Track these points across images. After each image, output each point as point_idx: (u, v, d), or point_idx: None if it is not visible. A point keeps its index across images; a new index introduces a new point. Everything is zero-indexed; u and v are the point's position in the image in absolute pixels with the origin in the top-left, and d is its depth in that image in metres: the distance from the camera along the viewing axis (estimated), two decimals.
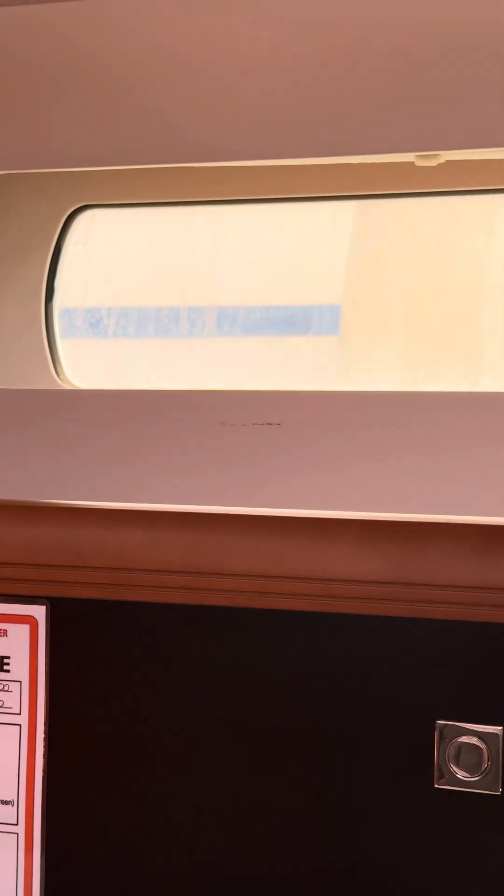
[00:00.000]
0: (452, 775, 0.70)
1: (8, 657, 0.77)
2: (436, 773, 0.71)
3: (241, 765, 0.74)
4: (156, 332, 1.25)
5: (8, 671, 0.77)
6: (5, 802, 0.77)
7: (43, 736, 0.76)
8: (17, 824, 0.76)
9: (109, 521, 0.77)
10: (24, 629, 0.76)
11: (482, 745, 0.70)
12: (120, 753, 0.75)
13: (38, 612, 0.76)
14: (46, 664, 0.76)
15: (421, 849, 0.71)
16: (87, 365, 1.26)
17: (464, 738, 0.70)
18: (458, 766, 0.70)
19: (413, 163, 0.91)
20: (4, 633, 0.77)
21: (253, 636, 0.74)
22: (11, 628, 0.77)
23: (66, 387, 1.23)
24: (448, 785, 0.70)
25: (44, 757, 0.76)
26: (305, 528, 0.75)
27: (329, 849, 0.73)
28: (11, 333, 1.24)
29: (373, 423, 0.97)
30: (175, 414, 1.03)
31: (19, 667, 0.77)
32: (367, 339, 1.16)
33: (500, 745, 0.70)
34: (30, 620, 0.76)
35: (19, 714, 0.77)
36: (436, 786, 0.71)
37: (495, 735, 0.70)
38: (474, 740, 0.70)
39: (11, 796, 0.76)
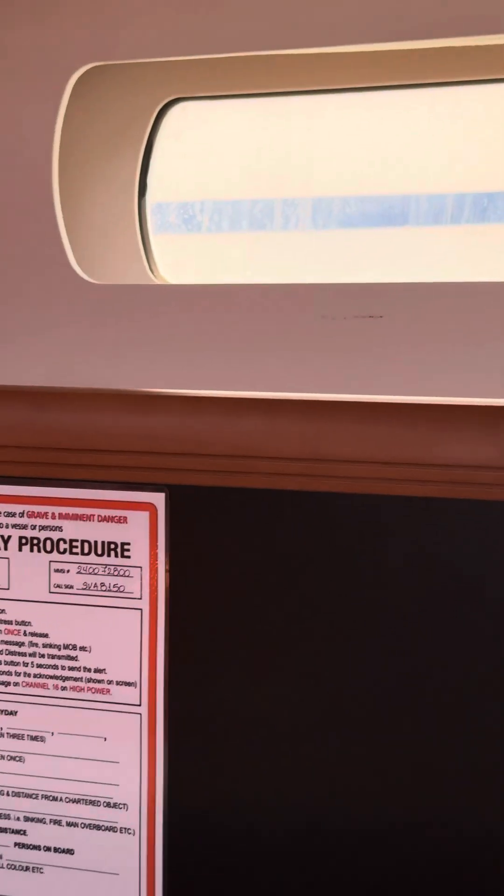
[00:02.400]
0: None
1: (128, 543, 0.78)
2: None
3: (363, 657, 0.74)
4: (250, 225, 1.24)
5: (128, 557, 0.78)
6: (128, 684, 0.78)
7: (164, 620, 0.78)
8: (139, 705, 0.78)
9: (228, 410, 0.78)
10: (144, 516, 0.77)
11: None
12: (239, 637, 0.77)
13: (158, 499, 0.77)
14: (166, 550, 0.77)
15: None
16: (180, 261, 1.26)
17: None
18: None
19: None
20: (124, 519, 0.78)
21: (373, 522, 0.74)
22: (131, 515, 0.78)
23: (159, 283, 1.23)
24: None
25: (165, 640, 0.78)
26: (424, 415, 0.74)
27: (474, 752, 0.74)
28: (104, 230, 1.24)
29: (478, 311, 0.96)
30: (275, 308, 1.03)
31: (139, 553, 0.78)
32: (470, 230, 1.15)
33: None
34: (149, 507, 0.77)
35: (140, 599, 0.78)
36: None
37: None
38: None
39: (134, 678, 0.78)
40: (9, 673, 0.81)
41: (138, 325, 1.06)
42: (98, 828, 0.79)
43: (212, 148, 1.25)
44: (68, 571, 0.79)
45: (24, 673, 0.80)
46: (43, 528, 0.79)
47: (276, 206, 1.24)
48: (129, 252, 1.23)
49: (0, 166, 1.09)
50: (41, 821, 0.80)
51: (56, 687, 0.80)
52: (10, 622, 0.80)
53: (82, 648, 0.79)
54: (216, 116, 1.23)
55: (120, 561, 0.78)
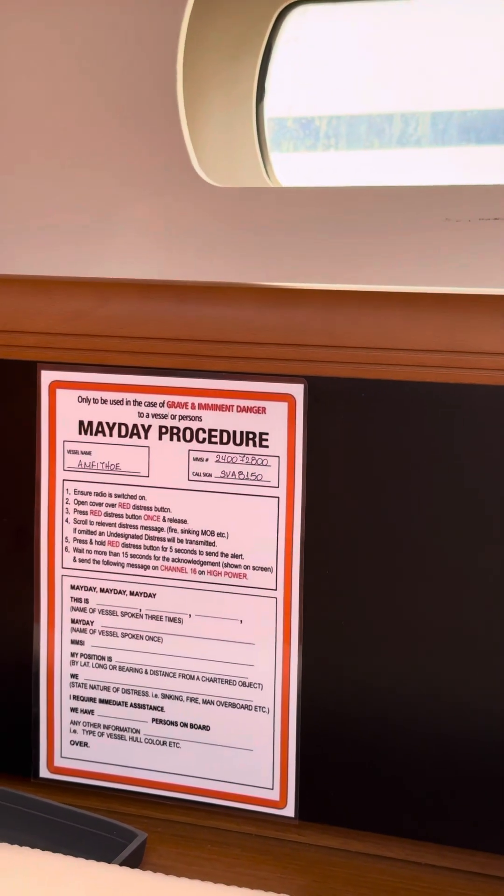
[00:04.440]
0: None
1: (266, 433, 0.80)
2: None
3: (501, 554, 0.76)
4: (367, 136, 1.25)
5: (266, 447, 0.80)
6: (264, 569, 0.81)
7: (300, 508, 0.80)
8: (275, 589, 0.81)
9: (366, 303, 0.79)
10: (283, 406, 0.80)
11: None
12: (373, 526, 0.79)
13: (296, 390, 0.79)
14: (304, 440, 0.79)
15: None
16: (298, 171, 1.26)
17: None
18: None
19: None
20: (263, 410, 0.80)
21: None
22: (270, 406, 0.80)
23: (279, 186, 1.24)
24: None
25: (301, 528, 0.80)
26: None
27: None
28: (223, 135, 1.25)
29: None
30: (400, 210, 1.03)
31: (277, 443, 0.80)
32: None
33: None
34: (288, 398, 0.79)
35: (277, 487, 0.80)
36: None
37: None
38: None
39: (270, 564, 0.81)
40: (148, 557, 0.84)
41: (261, 227, 1.08)
42: (233, 706, 0.83)
43: (331, 55, 1.25)
44: (207, 460, 0.82)
45: (164, 557, 0.83)
46: (182, 417, 0.82)
47: (395, 118, 1.24)
48: (247, 157, 1.24)
49: (127, 73, 1.10)
50: (178, 698, 0.84)
51: (194, 571, 0.83)
52: (149, 508, 0.83)
53: (220, 534, 0.82)
54: (337, 20, 1.23)
55: (258, 450, 0.80)
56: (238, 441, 0.81)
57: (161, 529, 0.83)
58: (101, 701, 0.86)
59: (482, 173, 1.21)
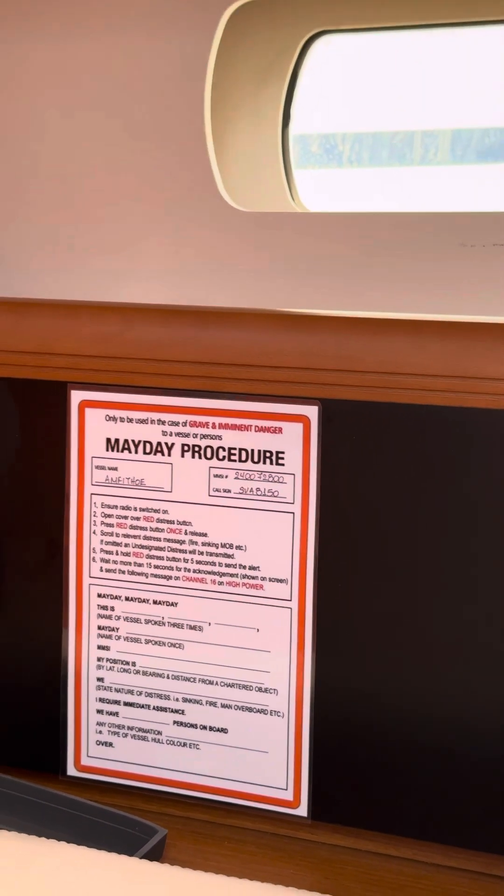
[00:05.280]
0: None
1: (283, 452, 0.85)
2: None
3: None
4: (389, 158, 1.28)
5: (282, 465, 0.85)
6: (280, 581, 0.86)
7: (314, 523, 0.84)
8: (290, 600, 0.85)
9: (376, 329, 0.83)
10: (298, 427, 0.84)
11: None
12: (384, 541, 0.83)
13: (311, 411, 0.84)
14: (318, 459, 0.84)
15: None
16: (321, 191, 1.30)
17: None
18: None
19: None
20: (279, 430, 0.84)
21: None
22: (286, 426, 0.84)
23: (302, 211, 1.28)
24: None
25: (315, 542, 0.84)
26: None
27: None
28: (248, 159, 1.29)
29: None
30: (415, 235, 1.07)
31: (293, 461, 0.84)
32: None
33: None
34: (303, 419, 0.84)
35: (292, 503, 0.85)
36: None
37: None
38: None
39: (285, 575, 0.85)
40: (171, 568, 0.88)
41: (283, 251, 1.12)
42: (250, 710, 0.87)
43: (355, 80, 1.29)
44: (226, 477, 0.86)
45: (185, 568, 0.88)
46: (204, 436, 0.87)
47: (415, 137, 1.28)
48: (272, 181, 1.28)
49: (155, 97, 1.14)
50: (198, 702, 0.89)
51: (213, 582, 0.87)
52: (172, 522, 0.88)
53: (238, 547, 0.86)
54: (360, 49, 1.27)
55: (274, 468, 0.85)
56: (256, 459, 0.85)
57: (183, 542, 0.88)
58: (126, 704, 0.91)
59: (499, 193, 1.24)
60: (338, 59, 1.25)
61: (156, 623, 0.89)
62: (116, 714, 0.91)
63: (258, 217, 1.12)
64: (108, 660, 0.91)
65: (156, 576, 0.89)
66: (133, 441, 0.88)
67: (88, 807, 0.86)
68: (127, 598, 0.90)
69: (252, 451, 0.85)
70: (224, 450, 0.86)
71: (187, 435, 0.87)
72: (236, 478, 0.86)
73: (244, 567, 0.86)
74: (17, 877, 0.69)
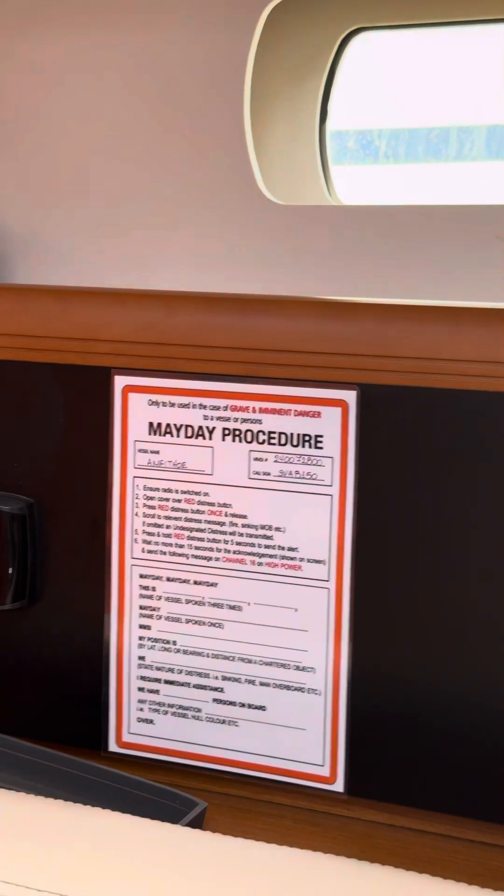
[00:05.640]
0: None
1: (321, 436, 0.87)
2: None
3: None
4: (425, 153, 1.30)
5: (321, 448, 0.87)
6: (318, 561, 0.88)
7: (352, 505, 0.86)
8: (327, 580, 0.87)
9: (415, 316, 0.85)
10: (337, 411, 0.86)
11: None
12: (420, 523, 0.85)
13: (350, 396, 0.86)
14: (356, 442, 0.86)
15: None
16: (358, 187, 1.32)
17: None
18: None
19: None
20: (318, 414, 0.87)
21: None
22: (325, 410, 0.86)
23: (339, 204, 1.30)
24: None
25: (352, 524, 0.86)
26: None
27: None
28: (286, 155, 1.31)
29: None
30: (452, 228, 1.09)
31: (331, 444, 0.86)
32: None
33: None
34: (341, 404, 0.86)
35: (330, 486, 0.87)
36: None
37: None
38: None
39: (323, 556, 0.87)
40: (211, 549, 0.91)
41: (319, 243, 1.14)
42: (288, 688, 0.89)
43: (391, 76, 1.31)
44: (266, 460, 0.88)
45: (225, 549, 0.90)
46: (244, 420, 0.89)
47: (451, 133, 1.30)
48: (309, 176, 1.30)
49: (197, 92, 1.17)
50: (237, 680, 0.91)
51: (253, 563, 0.89)
52: (213, 504, 0.90)
53: (277, 529, 0.89)
54: (396, 46, 1.29)
55: (313, 452, 0.87)
56: (295, 443, 0.87)
57: (223, 524, 0.90)
58: (166, 682, 0.93)
59: None
60: (374, 56, 1.27)
61: (196, 603, 0.91)
62: (157, 692, 0.93)
63: (296, 210, 1.14)
64: (149, 639, 0.93)
65: (196, 556, 0.91)
66: (175, 425, 0.91)
67: (130, 780, 0.88)
68: (168, 579, 0.92)
69: (291, 434, 0.87)
70: (264, 433, 0.88)
71: (228, 419, 0.89)
72: (276, 461, 0.88)
73: (283, 548, 0.88)
74: (65, 842, 0.72)
